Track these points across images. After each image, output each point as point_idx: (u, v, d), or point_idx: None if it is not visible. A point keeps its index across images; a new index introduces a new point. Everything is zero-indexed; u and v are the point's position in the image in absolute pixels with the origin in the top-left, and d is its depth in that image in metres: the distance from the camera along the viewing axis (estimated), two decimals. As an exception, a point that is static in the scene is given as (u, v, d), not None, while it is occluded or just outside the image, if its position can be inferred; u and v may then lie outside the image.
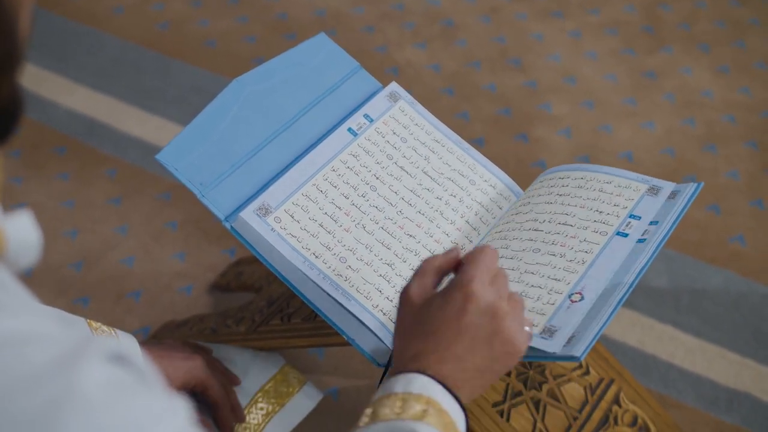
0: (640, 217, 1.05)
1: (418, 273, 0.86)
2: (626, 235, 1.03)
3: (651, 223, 1.04)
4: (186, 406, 0.51)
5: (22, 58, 0.54)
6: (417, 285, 0.85)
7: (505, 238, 1.07)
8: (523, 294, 0.97)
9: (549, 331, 0.91)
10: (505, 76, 2.08)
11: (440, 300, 0.83)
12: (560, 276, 0.99)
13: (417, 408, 0.75)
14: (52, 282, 1.61)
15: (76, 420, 0.45)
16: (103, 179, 1.82)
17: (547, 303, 0.95)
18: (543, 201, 1.11)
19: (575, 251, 1.01)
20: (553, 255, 1.01)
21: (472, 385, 0.81)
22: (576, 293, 0.96)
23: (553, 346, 0.90)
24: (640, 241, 1.02)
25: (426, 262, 0.86)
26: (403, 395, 0.77)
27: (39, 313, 0.52)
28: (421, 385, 0.77)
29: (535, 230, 1.07)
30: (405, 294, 0.85)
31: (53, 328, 0.49)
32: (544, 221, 1.08)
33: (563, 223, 1.06)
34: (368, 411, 0.77)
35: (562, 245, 1.02)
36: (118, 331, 1.11)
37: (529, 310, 0.95)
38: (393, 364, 0.84)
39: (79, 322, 1.05)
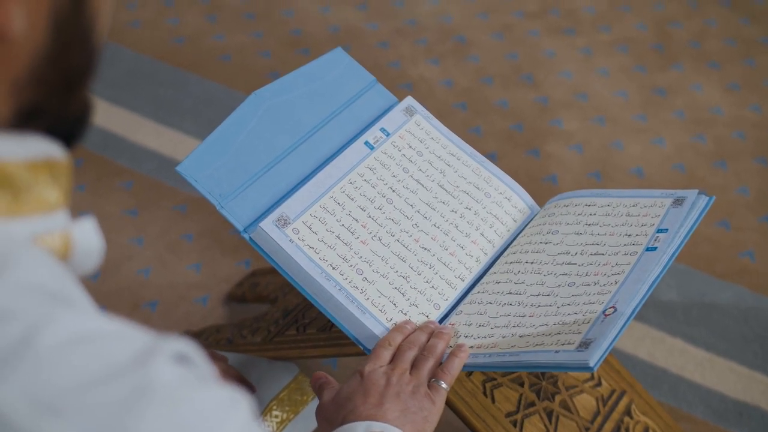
0: (667, 230, 1.05)
1: (323, 389, 1.01)
2: (655, 249, 1.03)
3: (658, 230, 1.05)
4: (248, 400, 0.53)
5: (98, 67, 0.57)
6: (326, 394, 0.99)
7: (539, 273, 1.08)
8: (559, 323, 0.98)
9: (584, 344, 0.92)
10: (517, 92, 2.10)
11: (344, 386, 0.98)
12: (594, 300, 0.99)
13: None
14: (69, 292, 1.63)
15: (152, 413, 0.47)
16: (119, 191, 1.84)
17: (583, 323, 0.96)
18: (572, 231, 1.12)
19: (608, 276, 1.02)
20: (588, 285, 1.02)
21: (403, 423, 0.92)
22: (610, 307, 0.97)
23: (587, 355, 0.90)
24: (650, 249, 1.03)
25: (323, 383, 1.02)
26: None
27: (98, 312, 0.54)
28: (380, 427, 0.89)
29: (569, 264, 1.07)
30: (318, 407, 0.99)
31: (126, 328, 0.52)
32: (576, 253, 1.09)
33: (595, 254, 1.07)
34: None
35: (596, 274, 1.03)
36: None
37: (566, 333, 0.96)
38: None
39: None
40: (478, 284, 1.10)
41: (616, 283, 1.00)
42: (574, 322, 0.97)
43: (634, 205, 1.12)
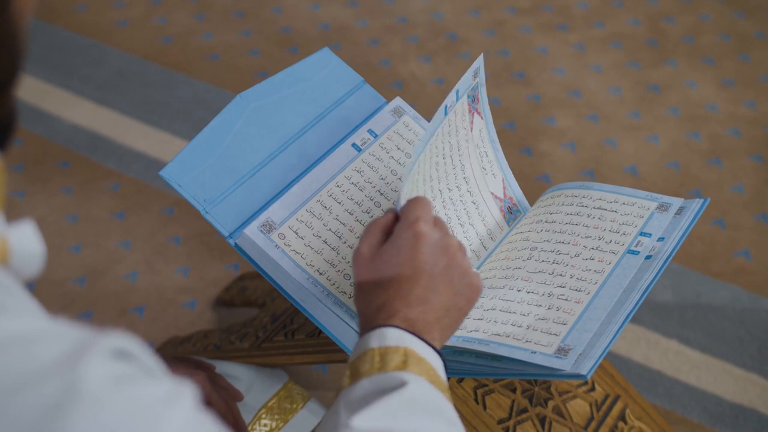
0: (650, 234, 1.04)
1: (365, 235, 0.85)
2: (637, 253, 1.02)
3: (658, 239, 1.04)
4: (192, 390, 0.51)
5: (22, 71, 0.55)
6: (366, 244, 0.84)
7: (527, 269, 1.06)
8: (537, 317, 0.97)
9: (563, 351, 0.91)
10: (510, 90, 2.07)
11: (391, 246, 0.82)
12: (573, 297, 0.98)
13: (397, 359, 0.75)
14: (56, 297, 1.61)
15: (82, 416, 0.45)
16: (106, 193, 1.82)
17: (561, 323, 0.95)
18: (556, 230, 1.11)
19: (590, 272, 1.01)
20: (564, 287, 1.01)
21: (442, 326, 0.81)
22: (588, 312, 0.95)
23: (567, 364, 0.89)
24: (647, 258, 1.01)
25: (370, 225, 0.85)
26: (379, 350, 0.76)
27: (41, 314, 0.52)
28: (396, 337, 0.77)
29: (554, 263, 1.06)
30: (356, 254, 0.84)
31: (56, 327, 0.50)
32: (560, 252, 1.07)
33: (576, 255, 1.05)
34: (347, 372, 0.77)
35: (579, 278, 1.02)
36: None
37: (543, 332, 0.95)
38: (360, 325, 0.83)
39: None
40: None
41: (596, 283, 0.99)
42: (552, 320, 0.96)
43: (615, 201, 1.11)
